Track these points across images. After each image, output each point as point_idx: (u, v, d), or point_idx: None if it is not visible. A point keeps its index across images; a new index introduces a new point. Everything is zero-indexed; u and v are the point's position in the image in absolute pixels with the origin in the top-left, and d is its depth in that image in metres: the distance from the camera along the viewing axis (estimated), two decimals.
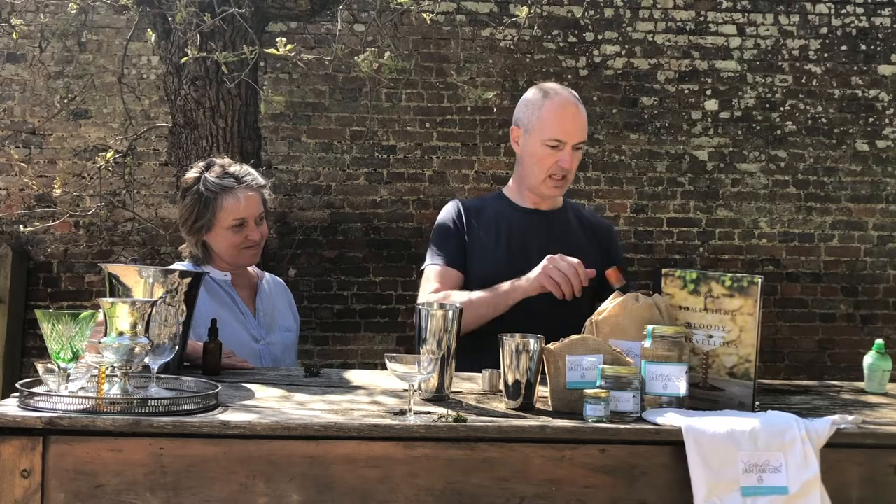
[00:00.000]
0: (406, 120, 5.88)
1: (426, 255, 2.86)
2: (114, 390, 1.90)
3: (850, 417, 1.95)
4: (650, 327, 2.04)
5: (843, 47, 6.14)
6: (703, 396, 2.11)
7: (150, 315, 1.95)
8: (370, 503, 1.82)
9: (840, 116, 6.12)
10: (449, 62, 5.91)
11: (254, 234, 2.79)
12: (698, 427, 1.86)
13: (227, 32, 3.96)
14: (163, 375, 2.08)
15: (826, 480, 1.85)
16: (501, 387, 2.09)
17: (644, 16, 6.05)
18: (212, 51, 3.73)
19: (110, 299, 1.98)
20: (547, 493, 1.85)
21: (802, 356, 6.03)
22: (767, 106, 6.08)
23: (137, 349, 1.88)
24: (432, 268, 2.79)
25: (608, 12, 6.03)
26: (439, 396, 2.13)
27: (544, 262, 2.56)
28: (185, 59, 3.70)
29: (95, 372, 1.94)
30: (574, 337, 2.08)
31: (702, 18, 6.09)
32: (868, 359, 2.47)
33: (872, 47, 6.15)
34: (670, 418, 1.90)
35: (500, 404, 2.07)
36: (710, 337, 2.12)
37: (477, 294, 2.64)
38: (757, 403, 2.09)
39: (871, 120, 6.13)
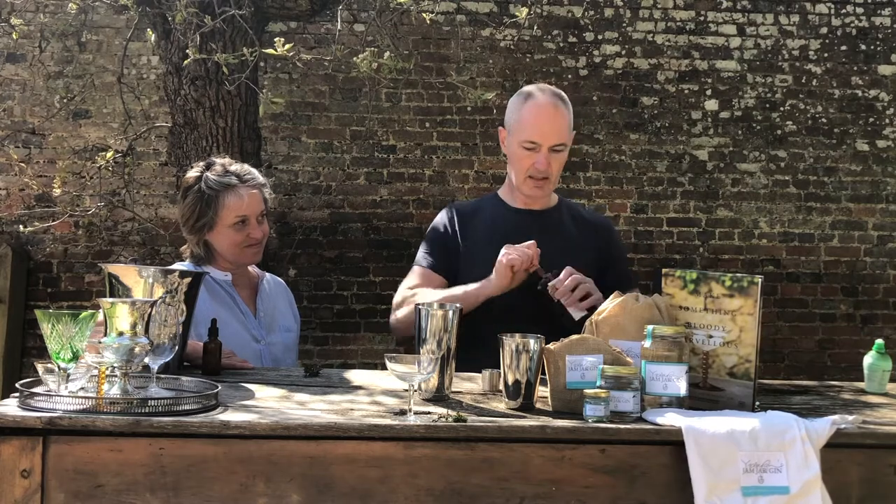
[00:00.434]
0: (406, 120, 5.88)
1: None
2: (114, 390, 1.90)
3: (850, 417, 1.95)
4: (650, 327, 2.04)
5: (843, 47, 6.14)
6: (703, 396, 2.11)
7: (150, 315, 1.95)
8: (370, 503, 1.82)
9: (840, 116, 6.12)
10: (449, 62, 5.90)
11: (256, 232, 2.80)
12: (698, 427, 1.86)
13: (226, 33, 3.96)
14: (163, 375, 2.09)
15: (826, 480, 1.85)
16: (501, 387, 2.09)
17: (644, 16, 6.05)
18: (212, 51, 3.73)
19: (110, 299, 1.98)
20: (547, 493, 1.85)
21: (802, 356, 6.03)
22: (767, 106, 6.08)
23: (137, 349, 1.88)
24: (416, 268, 2.87)
25: (608, 12, 6.03)
26: (439, 396, 2.13)
27: (500, 255, 2.61)
28: (185, 60, 3.70)
29: (95, 372, 1.94)
30: (574, 337, 2.08)
31: (702, 18, 6.08)
32: (868, 359, 2.48)
33: (872, 47, 6.15)
34: (670, 418, 1.90)
35: (500, 404, 2.07)
36: (710, 337, 2.12)
37: (445, 292, 2.71)
38: (757, 403, 2.09)
39: (871, 120, 6.13)
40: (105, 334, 1.93)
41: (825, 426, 1.90)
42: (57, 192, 4.63)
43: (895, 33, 6.16)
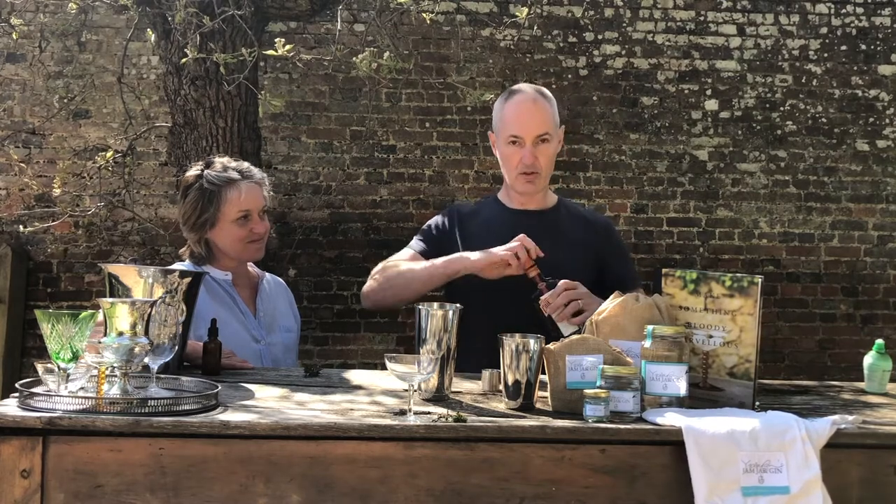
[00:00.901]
0: (406, 120, 5.88)
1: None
2: (114, 390, 1.89)
3: (850, 417, 1.95)
4: (650, 327, 2.04)
5: (843, 47, 6.14)
6: (703, 396, 2.11)
7: (149, 315, 1.94)
8: (370, 503, 1.82)
9: (840, 116, 6.12)
10: (449, 62, 5.90)
11: (258, 227, 2.80)
12: (698, 427, 1.86)
13: (226, 33, 3.96)
14: (163, 375, 2.08)
15: (826, 480, 1.85)
16: (501, 387, 2.09)
17: (644, 16, 6.05)
18: (211, 51, 3.73)
19: (110, 299, 1.98)
20: (547, 493, 1.85)
21: (802, 356, 6.03)
22: (767, 106, 6.08)
23: (137, 349, 1.88)
24: (406, 250, 2.92)
25: (608, 12, 6.03)
26: (439, 396, 2.13)
27: (492, 249, 2.63)
28: (185, 59, 3.70)
29: (95, 372, 1.94)
30: (574, 337, 2.08)
31: (702, 18, 6.09)
32: (868, 359, 2.47)
33: (872, 47, 6.15)
34: (670, 418, 1.90)
35: (500, 404, 2.07)
36: (710, 337, 2.12)
37: (421, 263, 2.78)
38: (757, 403, 2.09)
39: (871, 120, 6.13)
40: (105, 334, 1.93)
41: (825, 426, 1.90)
42: (57, 192, 4.63)
43: (895, 33, 6.16)
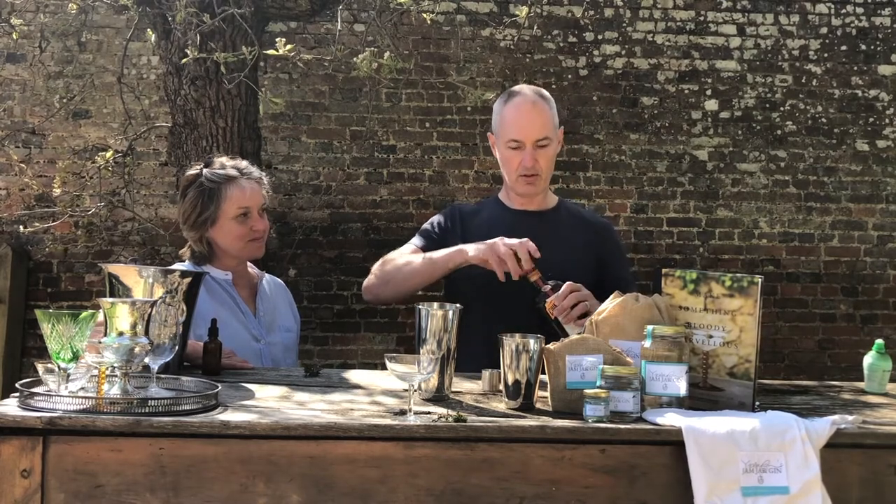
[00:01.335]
0: (406, 120, 5.88)
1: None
2: (114, 390, 1.89)
3: (850, 417, 1.95)
4: (650, 327, 2.04)
5: (843, 47, 6.14)
6: (703, 396, 2.11)
7: (150, 315, 1.94)
8: (370, 503, 1.82)
9: (840, 116, 6.12)
10: (449, 62, 5.90)
11: (258, 224, 2.81)
12: (698, 427, 1.86)
13: (226, 32, 3.96)
14: (163, 375, 2.08)
15: (826, 480, 1.85)
16: (501, 387, 2.09)
17: (644, 16, 6.05)
18: (212, 51, 3.73)
19: (110, 299, 1.98)
20: (547, 493, 1.85)
21: (802, 356, 6.03)
22: (767, 106, 6.08)
23: (137, 349, 1.88)
24: (407, 246, 2.94)
25: (608, 12, 6.03)
26: (439, 396, 2.13)
27: (494, 240, 2.61)
28: (185, 59, 3.70)
29: (95, 372, 1.94)
30: (574, 337, 2.08)
31: (702, 18, 6.08)
32: (868, 359, 2.47)
33: (872, 47, 6.15)
34: (670, 418, 1.90)
35: (500, 404, 2.07)
36: (710, 337, 2.12)
37: (421, 256, 2.80)
38: (757, 403, 2.08)
39: (871, 120, 6.13)
40: (105, 334, 1.93)
41: (825, 426, 1.90)
42: (57, 192, 4.63)
43: (895, 33, 6.16)
